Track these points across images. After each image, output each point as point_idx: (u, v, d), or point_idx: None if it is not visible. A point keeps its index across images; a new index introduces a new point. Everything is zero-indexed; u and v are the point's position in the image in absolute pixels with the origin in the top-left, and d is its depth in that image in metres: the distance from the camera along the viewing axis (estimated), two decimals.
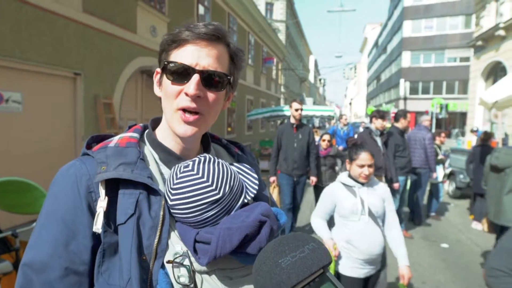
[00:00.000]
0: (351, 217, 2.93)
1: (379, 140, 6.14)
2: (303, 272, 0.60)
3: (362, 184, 3.02)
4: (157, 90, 1.03)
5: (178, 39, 0.93)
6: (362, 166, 2.95)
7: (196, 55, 0.92)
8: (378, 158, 5.91)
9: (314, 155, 6.19)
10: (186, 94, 0.91)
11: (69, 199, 0.87)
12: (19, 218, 3.57)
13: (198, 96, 0.91)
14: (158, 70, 1.01)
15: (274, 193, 6.34)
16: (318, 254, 0.63)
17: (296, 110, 6.01)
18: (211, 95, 0.94)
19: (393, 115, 31.68)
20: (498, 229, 4.36)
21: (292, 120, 6.17)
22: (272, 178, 6.27)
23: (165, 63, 0.95)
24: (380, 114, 6.25)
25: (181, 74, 0.92)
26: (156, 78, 1.03)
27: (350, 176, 3.09)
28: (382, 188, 3.10)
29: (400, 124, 6.47)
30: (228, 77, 0.96)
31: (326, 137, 6.74)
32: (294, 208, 6.30)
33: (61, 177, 0.91)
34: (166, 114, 0.97)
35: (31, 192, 3.06)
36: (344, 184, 3.08)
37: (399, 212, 6.30)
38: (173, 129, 0.96)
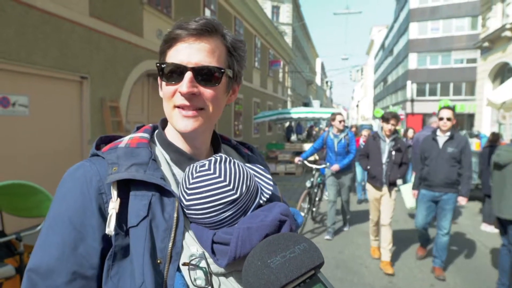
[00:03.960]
0: None
1: (385, 146, 5.41)
2: (292, 272, 0.60)
3: None
4: (160, 92, 1.02)
5: (170, 39, 0.93)
6: None
7: (187, 52, 0.91)
8: (375, 167, 5.42)
9: None
10: (181, 93, 0.90)
11: (78, 201, 0.85)
12: (24, 222, 3.57)
13: (193, 93, 0.90)
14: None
15: None
16: (309, 254, 0.63)
17: None
18: (207, 91, 0.93)
19: (402, 117, 31.20)
20: (502, 224, 4.42)
21: None
22: None
23: (157, 65, 0.94)
24: (384, 117, 5.45)
25: (175, 73, 0.91)
26: (160, 81, 1.02)
27: None
28: None
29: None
30: (222, 70, 0.93)
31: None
32: None
33: (70, 178, 0.89)
34: (166, 113, 0.97)
35: (36, 196, 3.06)
36: None
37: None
38: (174, 126, 0.95)
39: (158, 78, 1.01)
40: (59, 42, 6.64)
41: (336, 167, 6.57)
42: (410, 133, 11.03)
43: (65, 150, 6.96)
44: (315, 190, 7.40)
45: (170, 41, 0.93)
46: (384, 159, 5.39)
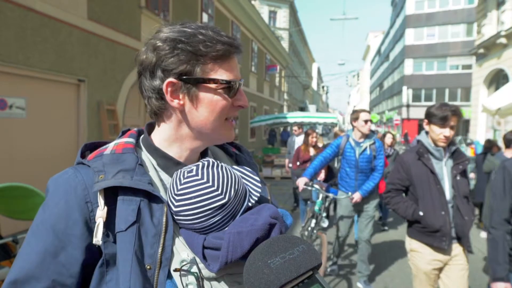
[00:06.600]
0: None
1: (442, 168, 2.94)
2: (291, 273, 0.63)
3: None
4: (174, 101, 0.93)
5: (220, 55, 0.93)
6: None
7: (238, 68, 0.99)
8: (434, 212, 2.85)
9: None
10: (242, 107, 1.00)
11: (61, 208, 0.84)
12: (21, 224, 3.56)
13: None
14: (174, 80, 0.91)
15: None
16: (307, 256, 0.66)
17: None
18: None
19: (396, 122, 30.80)
20: None
21: None
22: None
23: (231, 83, 0.95)
24: (434, 115, 2.82)
25: (232, 88, 0.96)
26: (172, 87, 0.92)
27: None
28: None
29: None
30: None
31: None
32: None
33: (53, 185, 0.88)
34: (213, 125, 0.96)
35: (33, 198, 3.06)
36: None
37: None
38: (221, 136, 1.01)
39: (172, 85, 0.92)
40: (57, 45, 6.64)
41: (358, 197, 4.55)
42: (388, 139, 7.71)
43: (62, 153, 6.94)
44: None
45: (221, 58, 0.93)
46: (448, 193, 2.91)
